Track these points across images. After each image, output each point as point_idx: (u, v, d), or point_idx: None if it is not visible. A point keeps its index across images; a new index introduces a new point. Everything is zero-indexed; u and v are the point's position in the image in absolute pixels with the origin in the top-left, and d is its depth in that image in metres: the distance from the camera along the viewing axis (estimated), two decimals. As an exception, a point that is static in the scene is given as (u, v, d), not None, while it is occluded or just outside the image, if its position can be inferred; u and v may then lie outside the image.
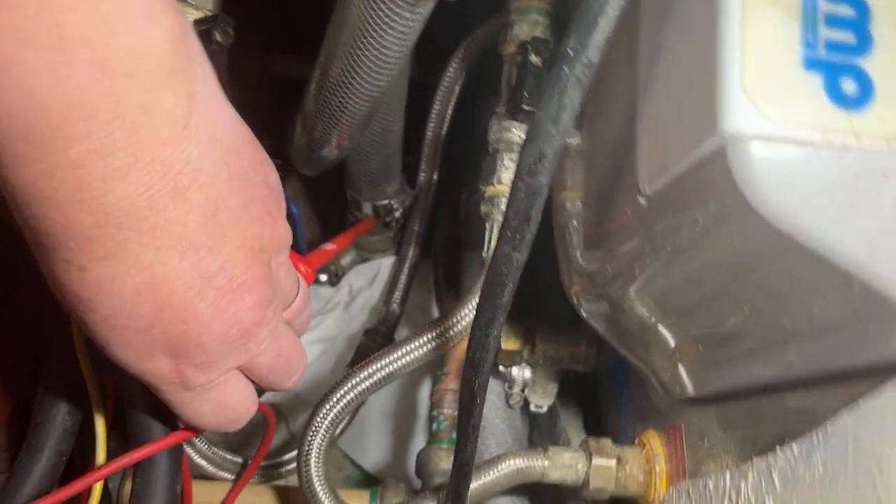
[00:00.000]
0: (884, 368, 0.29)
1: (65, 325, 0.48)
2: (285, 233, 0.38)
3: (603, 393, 0.75)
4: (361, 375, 0.52)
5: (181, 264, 0.32)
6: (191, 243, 0.32)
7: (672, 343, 0.43)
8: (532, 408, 0.71)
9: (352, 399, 0.52)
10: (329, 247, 0.57)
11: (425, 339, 0.53)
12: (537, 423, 0.80)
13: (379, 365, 0.52)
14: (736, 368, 0.39)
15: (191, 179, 0.30)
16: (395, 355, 0.52)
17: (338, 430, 0.76)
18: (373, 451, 0.87)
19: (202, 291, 0.33)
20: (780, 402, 0.39)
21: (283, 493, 0.63)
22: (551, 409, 0.77)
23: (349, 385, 0.52)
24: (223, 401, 0.37)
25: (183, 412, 0.37)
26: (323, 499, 0.53)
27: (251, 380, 0.39)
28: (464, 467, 0.48)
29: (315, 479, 0.52)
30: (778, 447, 0.35)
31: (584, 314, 0.53)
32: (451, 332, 0.52)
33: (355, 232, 0.77)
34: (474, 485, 0.53)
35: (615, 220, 0.40)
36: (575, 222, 0.49)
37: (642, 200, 0.34)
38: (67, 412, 0.47)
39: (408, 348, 0.52)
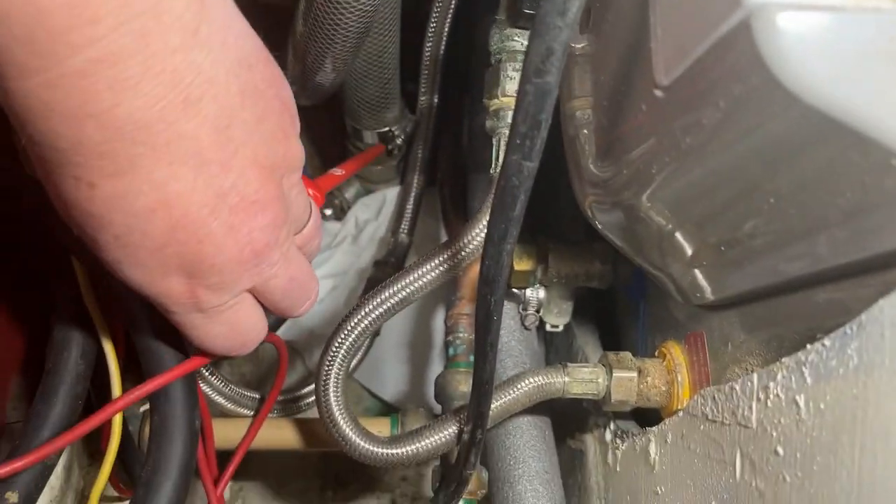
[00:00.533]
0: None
1: (69, 269, 0.47)
2: (299, 152, 0.36)
3: (619, 310, 0.74)
4: (374, 302, 0.51)
5: (195, 181, 0.31)
6: (204, 159, 0.30)
7: (690, 247, 0.42)
8: (548, 328, 0.70)
9: (366, 326, 0.51)
10: (338, 172, 0.55)
11: (436, 262, 0.51)
12: (553, 345, 0.80)
13: (391, 291, 0.51)
14: (760, 267, 0.38)
15: (203, 91, 0.29)
16: (407, 280, 0.51)
17: (354, 362, 0.76)
18: (391, 381, 0.87)
19: (216, 209, 0.32)
20: (807, 299, 0.37)
21: (303, 426, 0.63)
22: (567, 328, 0.77)
23: (363, 312, 0.51)
24: (235, 324, 0.37)
25: (194, 335, 0.37)
26: (343, 426, 0.53)
27: (263, 305, 0.39)
28: (483, 386, 0.47)
29: (335, 407, 0.51)
30: (808, 343, 0.34)
31: (598, 226, 0.52)
32: (463, 254, 0.51)
33: (363, 158, 0.75)
34: (494, 404, 0.53)
35: (629, 121, 0.38)
36: (586, 131, 0.47)
37: (659, 93, 0.32)
38: (79, 355, 0.46)
39: (419, 272, 0.51)
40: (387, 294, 0.51)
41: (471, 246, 0.50)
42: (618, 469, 0.60)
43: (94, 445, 0.64)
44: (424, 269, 0.51)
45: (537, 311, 0.68)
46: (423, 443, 0.52)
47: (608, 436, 0.63)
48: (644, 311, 0.64)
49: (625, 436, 0.60)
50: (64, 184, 0.30)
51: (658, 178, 0.38)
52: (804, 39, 0.25)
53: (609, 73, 0.41)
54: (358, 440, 0.52)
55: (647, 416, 0.59)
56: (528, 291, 0.67)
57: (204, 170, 0.31)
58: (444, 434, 0.53)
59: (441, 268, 0.51)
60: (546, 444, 0.64)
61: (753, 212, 0.34)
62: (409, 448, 0.52)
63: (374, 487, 0.84)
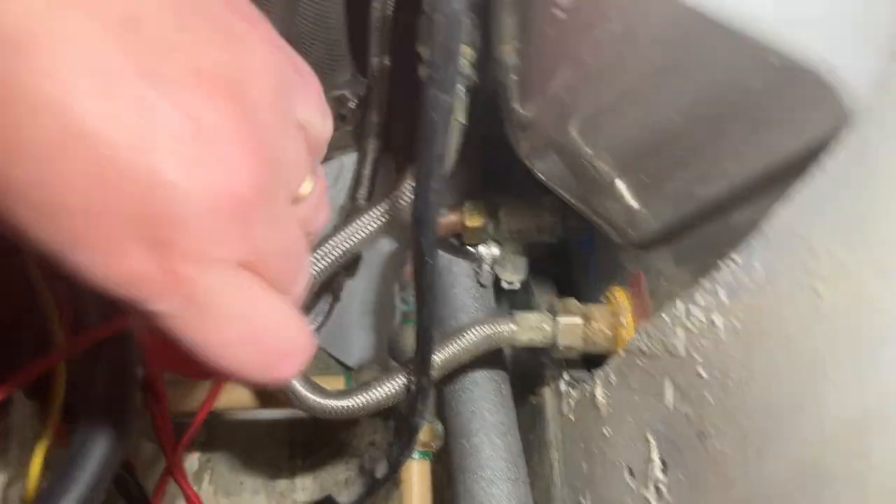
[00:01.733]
0: (814, 152, 0.28)
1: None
2: (271, 60, 0.26)
3: (574, 264, 0.75)
4: (317, 255, 0.52)
5: (109, 105, 0.22)
6: (112, 71, 0.22)
7: (617, 181, 0.42)
8: (504, 284, 0.70)
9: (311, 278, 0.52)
10: None
11: (378, 212, 0.52)
12: (515, 305, 0.80)
13: (333, 242, 0.52)
14: (679, 193, 0.38)
15: None
16: (349, 231, 0.51)
17: (314, 325, 0.76)
18: (356, 349, 0.88)
19: (154, 140, 0.23)
20: (725, 223, 0.38)
21: (262, 391, 0.63)
22: (525, 285, 0.77)
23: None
24: (250, 318, 0.27)
25: (204, 343, 0.27)
26: (298, 386, 0.53)
27: None
28: (424, 332, 0.48)
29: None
30: (720, 262, 0.34)
31: (539, 175, 0.52)
32: (401, 202, 0.51)
33: None
34: (444, 354, 0.53)
35: (543, 52, 0.38)
36: (513, 76, 0.47)
37: (561, 15, 0.32)
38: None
39: (360, 223, 0.51)
40: (329, 245, 0.52)
41: (407, 194, 0.50)
42: (572, 418, 0.61)
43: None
44: (366, 220, 0.51)
45: (491, 268, 0.68)
46: (371, 394, 0.53)
47: (563, 386, 0.63)
48: (594, 261, 0.64)
49: (577, 384, 0.60)
50: None
51: (574, 109, 0.38)
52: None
53: (522, 7, 0.41)
54: (306, 393, 0.53)
55: (598, 361, 0.59)
56: (482, 248, 0.68)
57: (116, 86, 0.22)
58: (393, 385, 0.53)
59: (382, 218, 0.52)
60: (502, 397, 0.64)
61: (663, 134, 0.35)
62: (357, 399, 0.53)
63: (343, 453, 0.84)
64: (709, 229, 0.40)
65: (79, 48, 0.22)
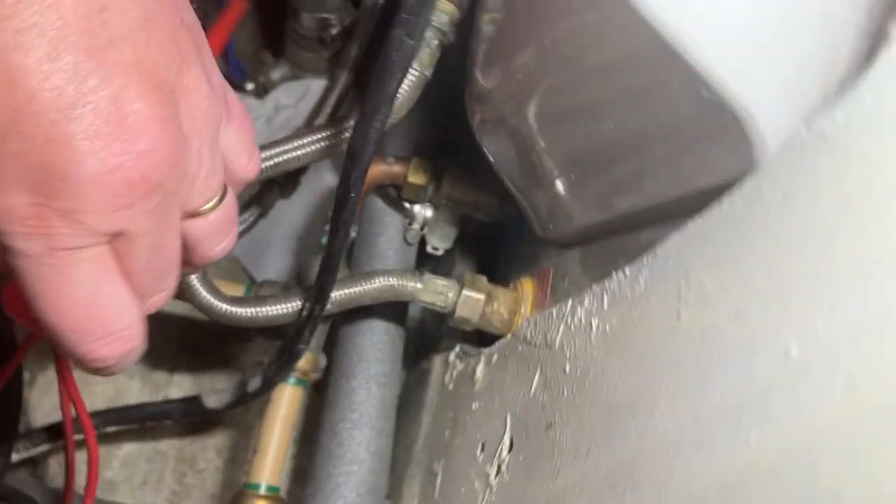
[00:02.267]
0: (720, 190, 0.30)
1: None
2: (205, 92, 0.30)
3: (499, 246, 0.76)
4: (250, 160, 0.52)
5: (50, 63, 0.25)
6: (64, 37, 0.25)
7: (549, 171, 0.43)
8: (429, 248, 0.72)
9: (236, 181, 0.52)
10: None
11: (319, 135, 0.52)
12: (435, 268, 0.82)
13: (270, 152, 0.52)
14: (600, 200, 0.40)
15: None
16: (285, 147, 0.52)
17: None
18: (272, 269, 0.88)
19: (75, 107, 0.25)
20: (632, 240, 0.39)
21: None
22: (449, 255, 0.78)
23: (235, 166, 0.51)
24: (95, 296, 0.29)
25: (40, 296, 0.28)
26: (194, 280, 0.53)
27: None
28: (330, 262, 0.48)
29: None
30: (613, 272, 0.36)
31: (484, 150, 0.53)
32: (347, 134, 0.51)
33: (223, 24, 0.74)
34: (343, 290, 0.54)
35: (512, 24, 0.39)
36: (483, 46, 0.48)
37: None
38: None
39: (300, 140, 0.52)
40: (265, 154, 0.52)
41: (351, 125, 0.50)
42: (451, 387, 0.63)
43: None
44: (305, 140, 0.52)
45: (421, 229, 0.69)
46: (263, 308, 0.53)
47: (452, 356, 0.65)
48: (517, 249, 0.66)
49: (465, 357, 0.62)
50: None
51: (527, 90, 0.39)
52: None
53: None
54: (201, 289, 0.53)
55: (491, 344, 0.61)
56: (417, 207, 0.69)
57: (63, 51, 0.25)
58: (287, 305, 0.53)
59: (322, 143, 0.52)
60: (393, 351, 0.65)
61: (596, 136, 0.36)
62: (248, 309, 0.53)
63: (228, 364, 0.85)
64: (617, 241, 0.41)
65: (49, 14, 0.24)
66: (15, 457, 0.60)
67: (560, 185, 0.43)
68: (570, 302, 0.41)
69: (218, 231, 0.33)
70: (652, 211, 0.36)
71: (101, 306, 0.29)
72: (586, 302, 0.39)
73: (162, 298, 0.33)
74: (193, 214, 0.32)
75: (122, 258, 0.29)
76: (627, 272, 0.35)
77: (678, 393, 0.28)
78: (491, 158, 0.53)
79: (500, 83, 0.43)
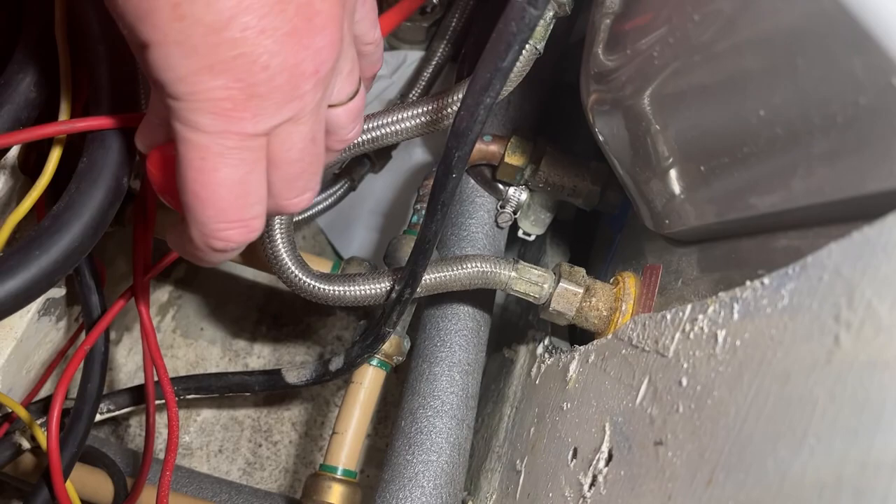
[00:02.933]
0: (890, 198, 0.25)
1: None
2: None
3: (597, 236, 0.72)
4: (346, 132, 0.49)
5: None
6: None
7: (675, 162, 0.39)
8: (520, 233, 0.68)
9: (330, 154, 0.50)
10: None
11: (419, 110, 0.49)
12: (524, 256, 0.78)
13: (366, 125, 0.49)
14: (733, 196, 0.36)
15: None
16: (383, 121, 0.49)
17: (319, 207, 0.75)
18: (356, 244, 0.86)
19: (283, 3, 0.29)
20: (766, 243, 0.35)
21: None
22: (541, 244, 0.75)
23: (331, 138, 0.49)
24: (245, 181, 0.32)
25: (199, 168, 0.31)
26: (280, 245, 0.51)
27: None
28: (424, 245, 0.46)
29: (276, 222, 0.50)
30: (748, 280, 0.32)
31: (596, 133, 0.49)
32: (448, 110, 0.48)
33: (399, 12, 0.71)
34: (434, 274, 0.51)
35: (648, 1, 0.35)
36: (608, 21, 0.44)
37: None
38: (34, 83, 0.44)
39: (398, 114, 0.49)
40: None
41: (456, 101, 0.47)
42: (537, 382, 0.60)
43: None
44: (405, 115, 0.49)
45: (514, 213, 0.66)
46: (352, 287, 0.51)
47: (540, 349, 0.62)
48: (617, 243, 0.62)
49: (554, 351, 0.59)
50: None
51: (656, 74, 0.35)
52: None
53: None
54: (289, 263, 0.51)
55: (584, 340, 0.57)
56: (511, 189, 0.65)
57: None
58: (376, 286, 0.51)
59: (422, 118, 0.49)
60: (478, 339, 0.63)
61: (741, 126, 0.32)
62: (337, 288, 0.51)
63: (308, 337, 0.84)
64: (747, 244, 0.37)
65: None
66: (98, 417, 0.60)
67: (685, 178, 0.39)
68: (688, 307, 0.37)
69: (354, 118, 0.37)
70: (796, 213, 0.32)
71: (244, 192, 0.32)
72: (710, 310, 0.35)
73: (309, 199, 0.37)
74: (334, 105, 0.36)
75: (280, 147, 0.33)
76: (766, 282, 0.31)
77: (835, 431, 0.24)
78: (602, 141, 0.49)
79: (625, 61, 0.39)
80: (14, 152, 0.52)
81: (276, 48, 0.29)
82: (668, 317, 0.39)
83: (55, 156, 0.43)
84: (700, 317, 0.35)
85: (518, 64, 0.44)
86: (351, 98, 0.36)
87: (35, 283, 0.36)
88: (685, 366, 0.35)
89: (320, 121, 0.34)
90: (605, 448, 0.41)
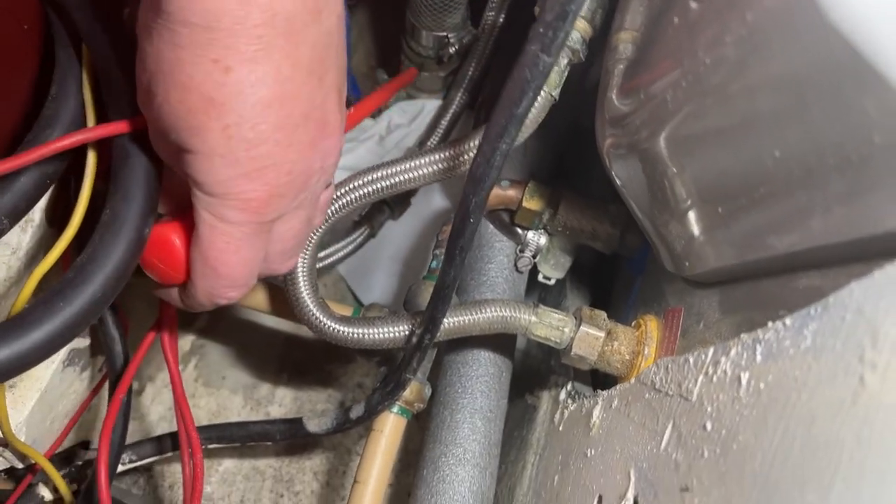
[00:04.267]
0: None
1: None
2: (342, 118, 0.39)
3: (617, 284, 0.72)
4: (364, 179, 0.50)
5: (303, 85, 0.32)
6: (311, 67, 0.32)
7: (692, 204, 0.39)
8: (540, 278, 0.68)
9: (347, 202, 0.50)
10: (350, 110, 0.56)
11: (436, 157, 0.49)
12: (545, 300, 0.78)
13: (383, 172, 0.50)
14: (752, 237, 0.35)
15: (321, 6, 0.32)
16: (400, 167, 0.50)
17: (339, 255, 0.75)
18: (377, 291, 0.86)
19: (308, 118, 0.33)
20: (787, 284, 0.35)
21: (274, 290, 0.62)
22: (561, 288, 0.75)
23: (350, 185, 0.50)
24: (253, 256, 0.37)
25: (220, 249, 0.36)
26: (301, 287, 0.52)
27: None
28: (443, 290, 0.46)
29: (300, 266, 0.50)
30: (770, 321, 0.32)
31: (613, 177, 0.49)
32: (465, 157, 0.49)
33: (387, 90, 0.74)
34: (454, 319, 0.51)
35: (661, 41, 0.35)
36: (621, 66, 0.45)
37: (693, 4, 0.29)
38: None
39: (416, 161, 0.49)
40: (379, 174, 0.50)
41: (472, 148, 0.48)
42: (560, 428, 0.59)
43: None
44: (421, 161, 0.50)
45: (534, 257, 0.66)
46: (371, 330, 0.51)
47: (563, 395, 0.61)
48: (638, 285, 0.61)
49: (577, 397, 0.58)
50: (201, 67, 0.30)
51: (671, 116, 0.36)
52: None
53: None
54: (311, 305, 0.51)
55: (606, 384, 0.57)
56: (530, 234, 0.65)
57: (311, 78, 0.33)
58: (395, 329, 0.51)
59: (439, 165, 0.50)
60: (499, 385, 0.62)
61: (757, 167, 0.32)
62: (356, 330, 0.51)
63: (329, 384, 0.83)
64: (768, 285, 0.37)
65: (306, 47, 0.32)
66: (120, 468, 0.60)
67: (703, 220, 0.39)
68: (710, 350, 0.37)
69: (326, 203, 0.43)
70: (816, 252, 0.31)
71: (249, 265, 0.38)
72: (733, 352, 0.34)
73: (293, 263, 0.44)
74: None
75: (283, 227, 0.38)
76: (788, 323, 0.30)
77: (863, 475, 0.23)
78: (619, 185, 0.49)
79: (639, 105, 0.39)
80: (42, 204, 0.53)
81: (298, 157, 0.34)
82: (691, 360, 0.38)
83: (81, 208, 0.44)
84: (723, 359, 0.35)
85: (533, 110, 0.45)
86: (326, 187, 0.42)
87: (59, 334, 0.37)
88: (709, 409, 0.35)
89: (315, 205, 0.40)
90: (630, 495, 0.40)
